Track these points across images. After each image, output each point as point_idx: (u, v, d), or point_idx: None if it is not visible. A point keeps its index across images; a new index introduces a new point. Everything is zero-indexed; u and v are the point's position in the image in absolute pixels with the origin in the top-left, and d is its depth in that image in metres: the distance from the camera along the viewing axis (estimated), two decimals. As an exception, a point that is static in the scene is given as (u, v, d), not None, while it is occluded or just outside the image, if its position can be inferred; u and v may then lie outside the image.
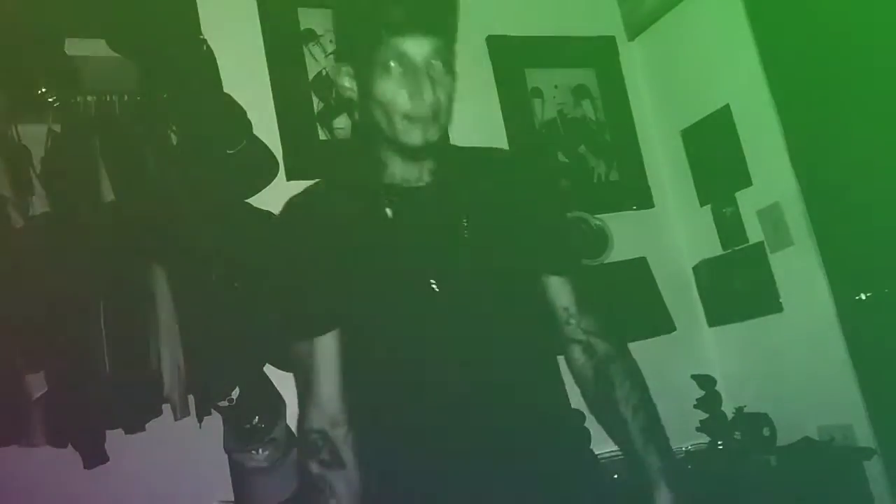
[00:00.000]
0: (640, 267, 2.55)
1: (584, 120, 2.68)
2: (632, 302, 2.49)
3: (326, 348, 1.17)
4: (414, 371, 1.14)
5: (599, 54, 2.74)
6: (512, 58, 2.57)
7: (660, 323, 2.49)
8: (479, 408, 1.12)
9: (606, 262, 2.49)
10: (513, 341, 1.18)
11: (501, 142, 2.45)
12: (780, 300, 2.30)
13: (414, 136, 1.15)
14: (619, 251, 2.51)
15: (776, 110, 2.27)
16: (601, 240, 2.52)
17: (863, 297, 2.12)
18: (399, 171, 1.20)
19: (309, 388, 1.17)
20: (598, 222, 2.52)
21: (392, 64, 1.13)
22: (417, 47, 1.13)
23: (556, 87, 2.65)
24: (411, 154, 1.18)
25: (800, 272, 2.24)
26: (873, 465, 2.08)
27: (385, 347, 1.16)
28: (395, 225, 1.17)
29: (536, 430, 1.15)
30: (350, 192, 1.22)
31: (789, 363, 2.29)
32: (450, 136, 1.26)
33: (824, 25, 2.18)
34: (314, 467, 1.15)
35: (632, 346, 2.35)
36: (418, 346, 1.15)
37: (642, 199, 2.64)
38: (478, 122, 2.35)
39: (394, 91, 1.13)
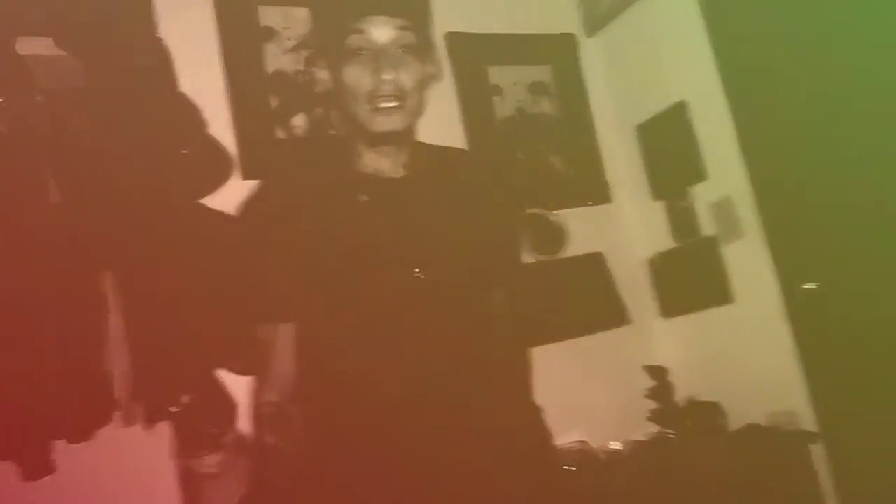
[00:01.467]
0: (596, 261, 2.60)
1: (543, 117, 2.72)
2: (589, 295, 2.55)
3: (287, 330, 1.20)
4: (375, 356, 1.16)
5: (559, 51, 2.77)
6: (471, 55, 2.59)
7: (616, 315, 2.55)
8: (437, 393, 1.15)
9: (564, 256, 2.54)
10: (482, 332, 1.21)
11: (459, 139, 2.48)
12: (731, 291, 2.37)
13: (380, 122, 1.16)
14: (577, 246, 2.56)
15: (729, 107, 2.33)
16: (559, 236, 2.57)
17: (808, 287, 2.20)
18: (372, 162, 1.21)
19: (266, 364, 1.21)
20: (555, 218, 2.57)
21: (359, 49, 1.14)
22: (382, 29, 1.14)
23: (515, 84, 2.68)
24: (381, 141, 1.19)
25: (749, 264, 2.30)
26: (817, 449, 2.16)
27: (349, 333, 1.17)
28: (370, 211, 1.19)
29: (494, 422, 1.18)
30: (320, 182, 1.24)
31: (739, 352, 2.36)
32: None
33: (777, 24, 2.23)
34: (267, 438, 1.19)
35: (589, 338, 2.48)
36: (389, 330, 1.16)
37: (599, 194, 2.69)
38: (435, 120, 2.38)
39: (359, 74, 1.14)
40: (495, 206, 1.31)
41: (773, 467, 2.14)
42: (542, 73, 2.74)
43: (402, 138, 1.20)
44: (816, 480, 2.16)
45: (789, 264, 2.23)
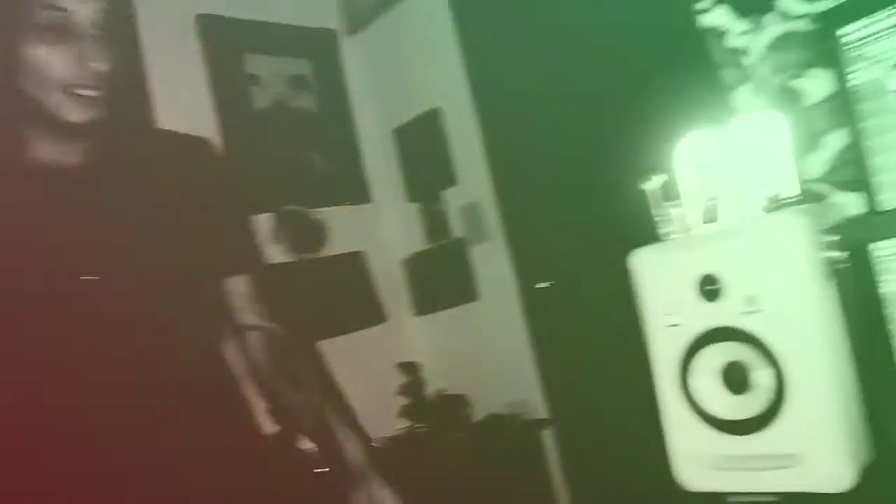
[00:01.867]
0: (356, 260, 2.61)
1: (304, 112, 2.67)
2: (348, 294, 2.55)
3: None
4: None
5: (319, 46, 2.74)
6: (226, 40, 2.46)
7: (373, 314, 2.59)
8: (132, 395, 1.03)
9: (324, 255, 2.52)
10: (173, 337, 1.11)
11: (210, 128, 2.34)
12: (477, 290, 2.52)
13: (73, 111, 1.02)
14: (338, 244, 2.56)
15: (477, 116, 2.47)
16: (318, 234, 2.54)
17: (542, 286, 2.40)
18: (47, 150, 1.06)
19: None
20: (316, 216, 2.54)
21: (53, 26, 0.99)
22: (82, 6, 1.00)
23: (273, 75, 2.60)
24: (70, 131, 1.04)
25: (493, 264, 2.46)
26: (548, 435, 2.37)
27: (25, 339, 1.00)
28: (44, 206, 1.03)
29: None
30: None
31: (484, 347, 2.52)
32: (154, 116, 1.15)
33: (524, 37, 2.39)
34: None
35: (346, 337, 2.48)
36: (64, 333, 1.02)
37: (360, 193, 2.70)
38: (183, 106, 2.23)
39: (51, 56, 1.00)
40: (226, 200, 1.24)
41: (510, 453, 2.31)
42: (302, 66, 2.69)
43: (93, 128, 1.07)
44: (546, 462, 2.38)
45: (526, 265, 2.42)
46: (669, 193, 1.38)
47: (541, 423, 2.36)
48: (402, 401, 2.39)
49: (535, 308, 2.38)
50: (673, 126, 1.52)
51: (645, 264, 1.33)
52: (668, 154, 1.46)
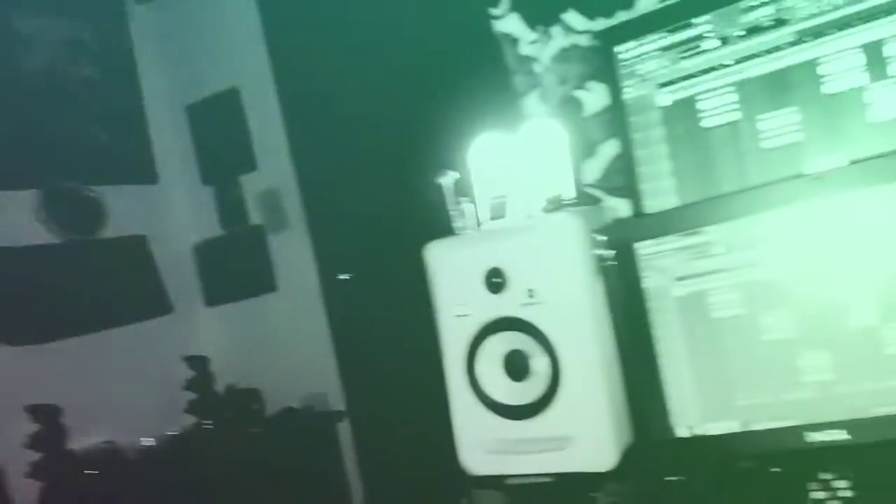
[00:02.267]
0: (138, 245, 2.41)
1: (84, 81, 2.41)
2: (128, 281, 2.35)
3: None
4: None
5: (104, 10, 2.48)
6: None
7: (157, 304, 2.41)
8: None
9: (103, 237, 2.30)
10: None
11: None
12: (276, 280, 2.44)
13: None
14: (118, 226, 2.34)
15: (279, 99, 2.38)
16: (96, 213, 2.31)
17: (343, 277, 2.39)
18: None
19: None
20: (92, 194, 2.30)
21: None
22: None
23: (48, 38, 2.31)
24: None
25: (293, 254, 2.40)
26: (344, 427, 2.36)
27: None
28: None
29: None
30: None
31: (281, 339, 2.45)
32: None
33: (330, 26, 2.34)
34: None
35: (126, 328, 2.29)
36: None
37: (145, 172, 2.50)
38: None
39: None
40: None
41: (305, 447, 2.27)
42: (82, 30, 2.42)
43: None
44: (342, 455, 2.37)
45: (327, 256, 2.39)
46: (463, 189, 1.43)
47: (337, 416, 2.34)
48: (190, 396, 2.25)
49: (336, 299, 2.36)
50: (469, 125, 1.58)
51: (438, 257, 1.37)
52: (463, 152, 1.51)
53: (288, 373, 2.41)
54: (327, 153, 2.39)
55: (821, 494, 1.02)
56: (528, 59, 1.71)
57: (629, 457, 1.24)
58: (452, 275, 1.34)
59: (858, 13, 1.28)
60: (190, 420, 2.24)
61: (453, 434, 1.39)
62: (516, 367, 1.29)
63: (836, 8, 1.30)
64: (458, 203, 1.40)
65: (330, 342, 2.36)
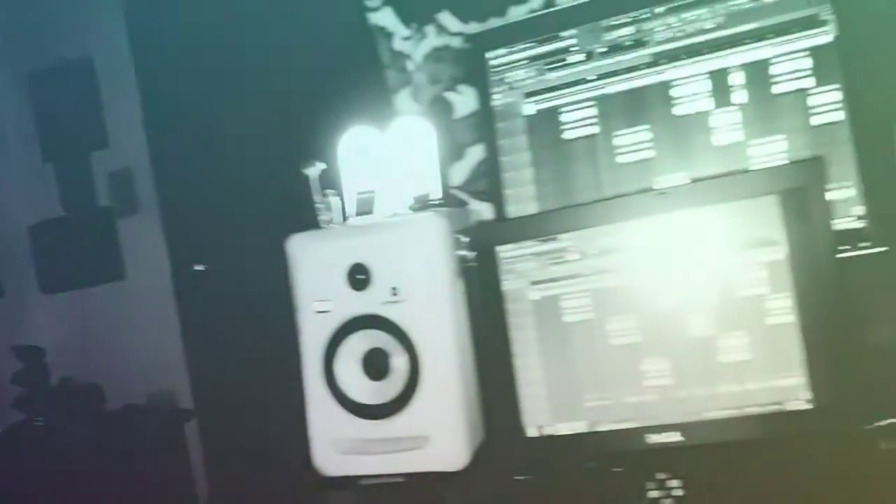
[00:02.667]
0: (-37, 222, 2.17)
1: None
2: (-52, 263, 2.11)
3: None
4: None
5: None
6: None
7: (-17, 288, 2.18)
8: None
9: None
10: None
11: None
12: (124, 267, 2.27)
13: None
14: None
15: (136, 74, 2.22)
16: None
17: (199, 268, 2.27)
18: None
19: None
20: None
21: None
22: None
23: None
24: None
25: (144, 240, 2.24)
26: (191, 426, 2.24)
27: None
28: None
29: None
30: None
31: (126, 332, 2.28)
32: None
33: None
34: None
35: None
36: None
37: (-25, 143, 2.26)
38: None
39: None
40: None
41: (148, 446, 2.14)
42: None
43: None
44: (188, 455, 2.25)
45: (182, 244, 2.26)
46: (330, 182, 1.40)
47: (184, 415, 2.22)
48: (18, 390, 2.06)
49: (188, 291, 2.23)
50: (341, 116, 1.54)
51: (300, 250, 1.33)
52: (331, 144, 1.48)
53: (132, 368, 2.26)
54: (187, 134, 2.25)
55: (656, 493, 1.09)
56: (402, 56, 1.70)
57: (481, 456, 1.26)
58: (314, 269, 1.31)
59: (707, 42, 1.38)
60: (18, 417, 2.05)
61: (308, 434, 1.36)
62: (376, 365, 1.28)
63: (689, 35, 1.39)
64: (325, 196, 1.36)
65: (180, 336, 2.23)
